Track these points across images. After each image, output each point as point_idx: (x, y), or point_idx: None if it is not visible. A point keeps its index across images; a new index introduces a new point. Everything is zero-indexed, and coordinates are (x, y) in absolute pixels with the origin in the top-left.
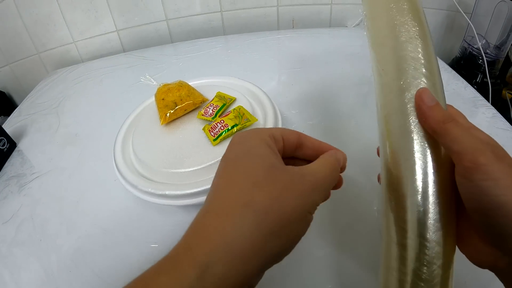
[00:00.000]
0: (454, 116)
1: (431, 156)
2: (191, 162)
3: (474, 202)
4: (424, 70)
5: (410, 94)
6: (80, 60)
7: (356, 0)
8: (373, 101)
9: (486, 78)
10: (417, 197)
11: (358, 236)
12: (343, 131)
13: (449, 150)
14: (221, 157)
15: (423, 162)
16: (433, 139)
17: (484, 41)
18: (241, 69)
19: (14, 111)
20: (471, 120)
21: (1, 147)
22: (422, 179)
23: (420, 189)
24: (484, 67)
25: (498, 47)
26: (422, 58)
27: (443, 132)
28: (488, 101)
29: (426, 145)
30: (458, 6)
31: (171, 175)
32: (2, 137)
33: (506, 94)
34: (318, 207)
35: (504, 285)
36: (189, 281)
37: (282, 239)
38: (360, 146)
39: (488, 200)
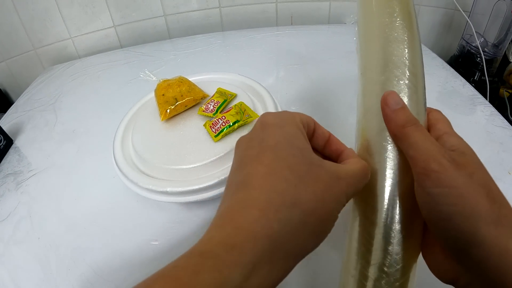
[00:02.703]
0: (434, 121)
1: (400, 160)
2: (192, 158)
3: (427, 211)
4: (407, 73)
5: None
6: (77, 56)
7: None
8: None
9: (484, 76)
10: (385, 202)
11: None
12: (342, 127)
13: (406, 155)
14: (224, 152)
15: (393, 164)
16: None
17: (482, 39)
18: (239, 65)
19: (10, 108)
20: (469, 117)
21: None
22: (391, 182)
23: (388, 192)
24: (482, 65)
25: (496, 46)
26: (407, 60)
27: (402, 136)
28: (486, 99)
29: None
30: (456, 4)
31: (172, 172)
32: None
33: (504, 92)
34: None
35: None
36: (235, 282)
37: (318, 238)
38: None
39: (438, 209)
